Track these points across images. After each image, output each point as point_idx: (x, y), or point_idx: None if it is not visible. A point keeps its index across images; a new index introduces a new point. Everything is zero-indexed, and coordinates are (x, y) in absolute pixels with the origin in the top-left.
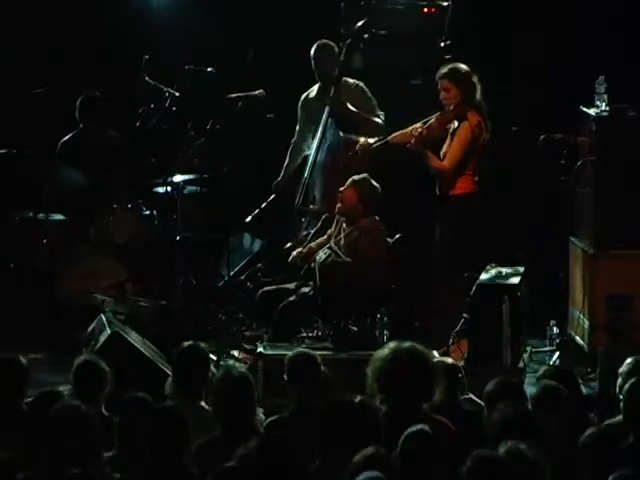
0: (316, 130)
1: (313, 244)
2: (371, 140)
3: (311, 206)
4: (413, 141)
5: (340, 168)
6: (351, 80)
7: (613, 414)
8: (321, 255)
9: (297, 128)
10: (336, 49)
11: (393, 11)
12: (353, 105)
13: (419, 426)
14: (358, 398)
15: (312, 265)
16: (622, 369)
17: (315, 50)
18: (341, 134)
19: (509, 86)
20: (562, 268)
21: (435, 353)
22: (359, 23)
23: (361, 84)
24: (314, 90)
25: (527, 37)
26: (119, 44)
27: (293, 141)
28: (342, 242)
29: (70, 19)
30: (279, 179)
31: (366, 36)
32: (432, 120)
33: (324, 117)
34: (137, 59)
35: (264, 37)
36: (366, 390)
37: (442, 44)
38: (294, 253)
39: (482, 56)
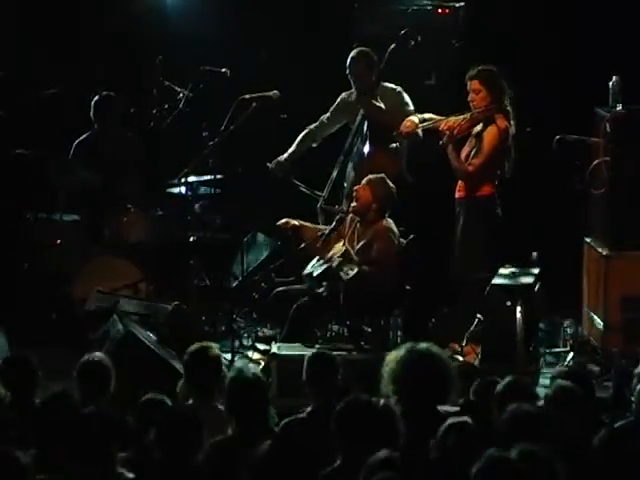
0: (348, 133)
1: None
2: (415, 119)
3: (336, 206)
4: (445, 139)
5: (367, 172)
6: (390, 85)
7: (626, 415)
8: (335, 252)
9: (323, 117)
10: (374, 57)
11: (406, 12)
12: (390, 110)
13: (461, 418)
14: (376, 399)
15: (329, 265)
16: (638, 370)
17: (351, 59)
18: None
19: (523, 87)
20: (576, 269)
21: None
22: (404, 30)
23: (399, 89)
24: (354, 94)
25: (541, 37)
26: (133, 45)
27: (310, 127)
28: (355, 243)
29: (83, 20)
30: (282, 160)
31: (412, 43)
32: (463, 121)
33: (357, 121)
34: (151, 60)
35: (278, 37)
36: (380, 391)
37: (456, 45)
38: (302, 245)
39: (496, 56)
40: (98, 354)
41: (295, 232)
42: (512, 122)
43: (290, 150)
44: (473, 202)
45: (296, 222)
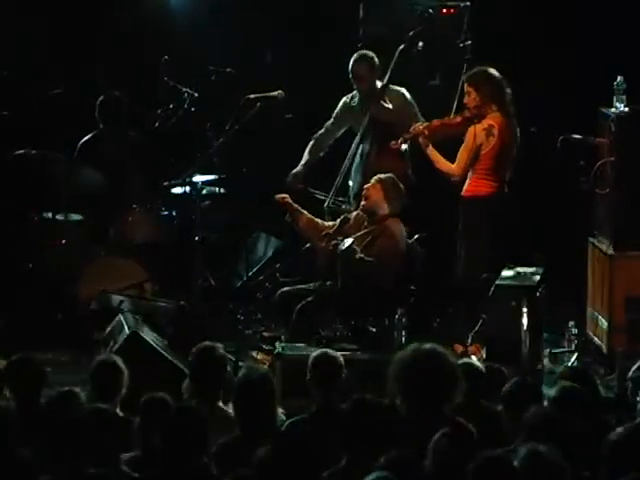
0: (354, 136)
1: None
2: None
3: (343, 206)
4: (421, 140)
5: (374, 172)
6: (395, 87)
7: (631, 416)
8: (344, 244)
9: (328, 124)
10: (375, 59)
11: (412, 12)
12: (394, 111)
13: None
14: (380, 399)
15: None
16: (631, 374)
17: (353, 61)
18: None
19: (526, 87)
20: (581, 269)
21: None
22: (412, 31)
23: (403, 90)
24: (356, 97)
25: (545, 37)
26: (137, 45)
27: (316, 136)
28: (362, 241)
29: (88, 20)
30: (297, 172)
31: (421, 44)
32: (434, 121)
33: (364, 124)
34: (156, 60)
35: (282, 37)
36: (385, 391)
37: (461, 45)
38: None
39: (499, 56)
40: (113, 356)
41: (290, 210)
42: (511, 121)
43: (302, 161)
44: (476, 202)
45: (291, 202)
